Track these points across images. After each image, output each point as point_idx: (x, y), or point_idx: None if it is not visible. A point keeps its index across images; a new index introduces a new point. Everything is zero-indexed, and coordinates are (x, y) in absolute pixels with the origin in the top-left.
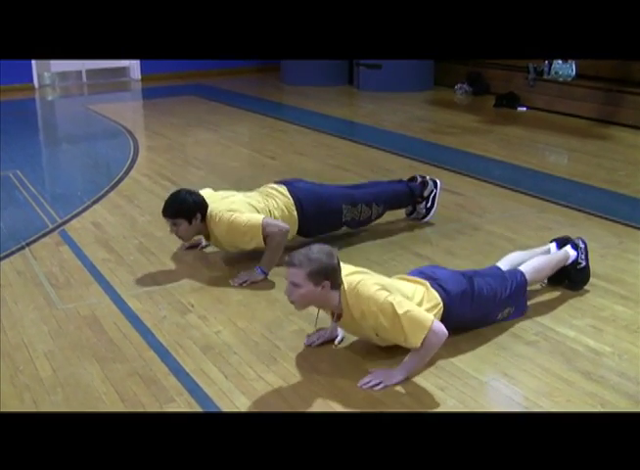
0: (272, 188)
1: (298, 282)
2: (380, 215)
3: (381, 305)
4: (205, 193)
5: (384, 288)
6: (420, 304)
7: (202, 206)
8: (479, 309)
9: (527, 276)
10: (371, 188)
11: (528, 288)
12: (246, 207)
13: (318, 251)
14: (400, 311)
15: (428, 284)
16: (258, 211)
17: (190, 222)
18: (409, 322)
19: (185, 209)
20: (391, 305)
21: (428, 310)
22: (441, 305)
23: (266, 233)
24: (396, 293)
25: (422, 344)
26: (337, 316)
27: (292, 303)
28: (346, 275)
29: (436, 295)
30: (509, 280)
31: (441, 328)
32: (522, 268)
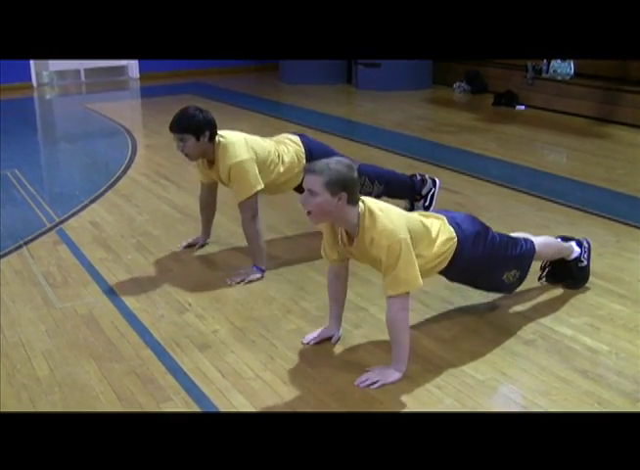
0: (285, 137)
1: (315, 190)
2: (378, 196)
3: (391, 242)
4: (222, 132)
5: (402, 225)
6: (436, 235)
7: (211, 123)
8: (489, 255)
9: (537, 247)
10: (377, 168)
11: (525, 286)
12: (259, 144)
13: (338, 161)
14: (402, 258)
15: (445, 219)
16: (268, 151)
17: (198, 139)
18: (402, 271)
19: (194, 124)
20: (400, 246)
21: (442, 243)
22: (456, 239)
23: (241, 208)
24: (414, 234)
25: (393, 299)
26: (350, 239)
27: (307, 214)
28: (370, 201)
29: (452, 229)
30: (520, 242)
31: (408, 303)
32: (531, 238)
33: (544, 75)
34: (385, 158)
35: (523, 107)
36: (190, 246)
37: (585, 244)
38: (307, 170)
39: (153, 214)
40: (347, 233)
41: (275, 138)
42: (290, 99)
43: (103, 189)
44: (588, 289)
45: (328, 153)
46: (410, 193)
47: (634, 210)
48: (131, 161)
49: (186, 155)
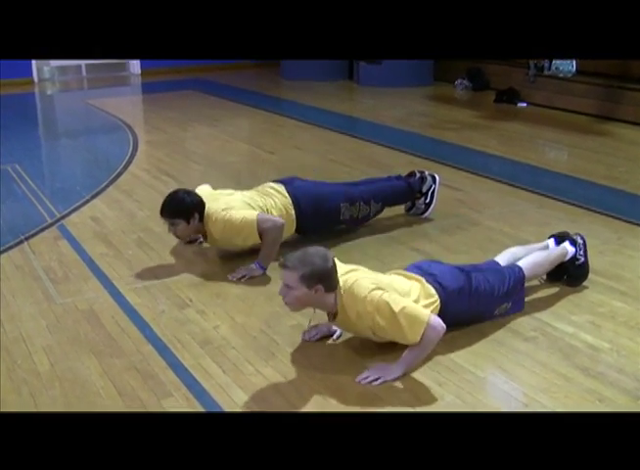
0: (270, 187)
1: (292, 284)
2: (378, 213)
3: (377, 305)
4: (203, 191)
5: (379, 287)
6: (417, 300)
7: (199, 206)
8: (476, 305)
9: (526, 272)
10: (369, 185)
11: (526, 284)
12: (243, 205)
13: (313, 254)
14: (397, 309)
15: (423, 280)
16: (257, 209)
17: (188, 222)
18: (406, 319)
19: (183, 209)
20: (387, 303)
21: (425, 307)
22: (438, 301)
23: (262, 229)
24: (392, 291)
25: (420, 339)
26: (332, 316)
27: (286, 304)
28: (341, 275)
29: (433, 291)
30: (507, 275)
31: (439, 322)
32: (520, 264)
33: (546, 73)
34: (385, 154)
35: (524, 104)
36: (191, 242)
37: (579, 240)
38: (282, 265)
39: (154, 210)
40: (329, 313)
41: (260, 189)
42: (291, 95)
43: (104, 184)
44: (589, 286)
45: (315, 196)
46: (409, 196)
47: (635, 207)
48: (132, 156)
49: (177, 237)
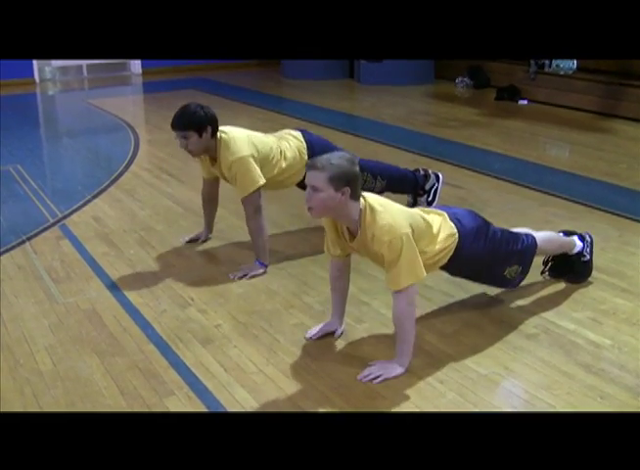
0: (287, 133)
1: (319, 186)
2: (381, 192)
3: (392, 238)
4: (224, 128)
5: (403, 220)
6: (438, 231)
7: (212, 119)
8: (490, 250)
9: (538, 242)
10: (379, 163)
11: (528, 281)
12: (260, 140)
13: (340, 156)
14: (404, 253)
15: (446, 215)
16: (271, 147)
17: (200, 135)
18: (404, 265)
19: (196, 120)
20: (402, 241)
21: (444, 239)
22: (457, 235)
23: (244, 203)
24: (414, 225)
25: (400, 292)
26: (351, 235)
27: (309, 209)
28: (371, 197)
29: (453, 225)
30: (521, 237)
31: (415, 299)
32: (533, 234)
33: (547, 70)
34: (387, 152)
35: (525, 101)
36: (192, 241)
37: (588, 238)
38: (309, 167)
39: (155, 209)
40: (349, 229)
41: (277, 134)
42: (292, 94)
43: (105, 184)
44: (591, 283)
45: (329, 148)
46: (413, 188)
47: (637, 204)
48: (134, 156)
49: (189, 151)
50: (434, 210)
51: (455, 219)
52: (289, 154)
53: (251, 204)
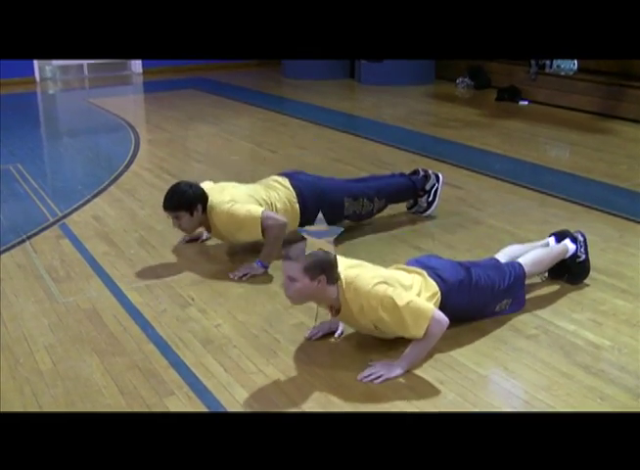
0: (274, 180)
1: (295, 276)
2: (382, 209)
3: (381, 299)
4: (206, 185)
5: (382, 281)
6: (419, 293)
7: (202, 197)
8: (476, 300)
9: (526, 268)
10: (373, 182)
11: (528, 281)
12: (247, 198)
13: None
14: (401, 303)
15: (425, 273)
16: (260, 203)
17: (191, 214)
18: (410, 313)
19: (186, 201)
20: (391, 297)
21: (426, 300)
22: (439, 294)
23: (265, 226)
24: (395, 284)
25: (424, 333)
26: (335, 311)
27: (288, 297)
28: (344, 269)
29: (434, 284)
30: (507, 272)
31: (442, 316)
32: (520, 260)
33: (547, 71)
34: (387, 152)
35: (526, 102)
36: (192, 240)
37: (580, 238)
38: (284, 257)
39: (155, 209)
40: (332, 306)
41: (264, 182)
42: (292, 94)
43: (106, 183)
44: (590, 284)
45: (319, 186)
46: (413, 194)
47: (637, 205)
48: (134, 155)
49: (183, 230)
50: (413, 268)
51: (436, 276)
52: (279, 205)
53: (269, 220)
